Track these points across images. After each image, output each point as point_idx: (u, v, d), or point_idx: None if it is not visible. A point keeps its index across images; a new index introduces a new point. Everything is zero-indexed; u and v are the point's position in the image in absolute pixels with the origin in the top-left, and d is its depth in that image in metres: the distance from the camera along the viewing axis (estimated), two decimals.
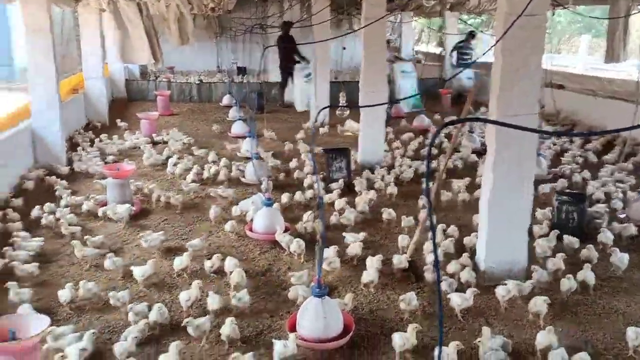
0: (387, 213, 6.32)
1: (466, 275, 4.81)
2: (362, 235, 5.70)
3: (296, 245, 5.39)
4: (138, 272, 4.85)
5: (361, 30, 8.22)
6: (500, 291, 4.55)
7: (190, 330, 4.01)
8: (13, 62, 18.89)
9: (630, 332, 3.90)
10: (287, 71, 14.01)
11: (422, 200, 6.85)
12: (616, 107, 10.30)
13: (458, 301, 4.38)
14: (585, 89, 12.04)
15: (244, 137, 10.13)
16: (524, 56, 4.54)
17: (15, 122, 7.93)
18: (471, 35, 14.82)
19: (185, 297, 4.45)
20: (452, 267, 4.99)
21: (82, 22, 11.44)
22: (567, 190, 6.81)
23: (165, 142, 10.08)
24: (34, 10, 7.66)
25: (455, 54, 14.97)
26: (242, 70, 18.45)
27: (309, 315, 4.03)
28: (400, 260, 5.04)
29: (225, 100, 14.77)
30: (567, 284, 4.63)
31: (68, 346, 3.71)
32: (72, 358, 3.60)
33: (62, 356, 3.53)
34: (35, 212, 6.26)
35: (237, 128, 11.04)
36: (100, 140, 9.94)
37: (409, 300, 4.35)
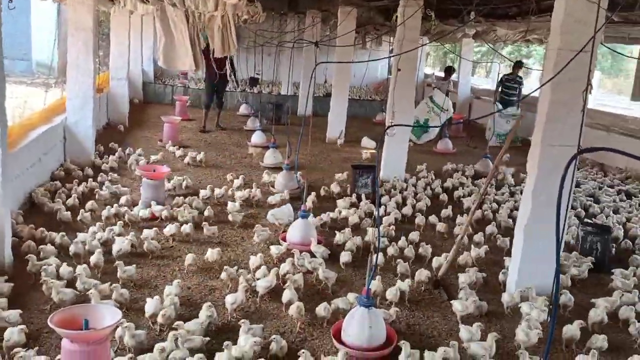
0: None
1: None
2: None
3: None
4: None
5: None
6: (524, 308, 4.75)
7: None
8: (30, 57, 19.05)
9: None
10: (212, 84, 12.22)
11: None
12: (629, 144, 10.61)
13: (459, 308, 4.70)
14: (596, 124, 12.38)
15: (263, 147, 10.34)
16: (572, 90, 4.75)
17: (49, 117, 8.05)
18: (518, 65, 12.72)
19: (231, 300, 4.61)
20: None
21: (113, 23, 11.61)
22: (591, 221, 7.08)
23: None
24: (80, 10, 7.85)
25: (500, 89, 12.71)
26: (255, 81, 18.58)
27: (355, 324, 4.17)
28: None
29: (242, 109, 14.94)
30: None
31: None
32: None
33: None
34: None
35: (257, 138, 11.22)
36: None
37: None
